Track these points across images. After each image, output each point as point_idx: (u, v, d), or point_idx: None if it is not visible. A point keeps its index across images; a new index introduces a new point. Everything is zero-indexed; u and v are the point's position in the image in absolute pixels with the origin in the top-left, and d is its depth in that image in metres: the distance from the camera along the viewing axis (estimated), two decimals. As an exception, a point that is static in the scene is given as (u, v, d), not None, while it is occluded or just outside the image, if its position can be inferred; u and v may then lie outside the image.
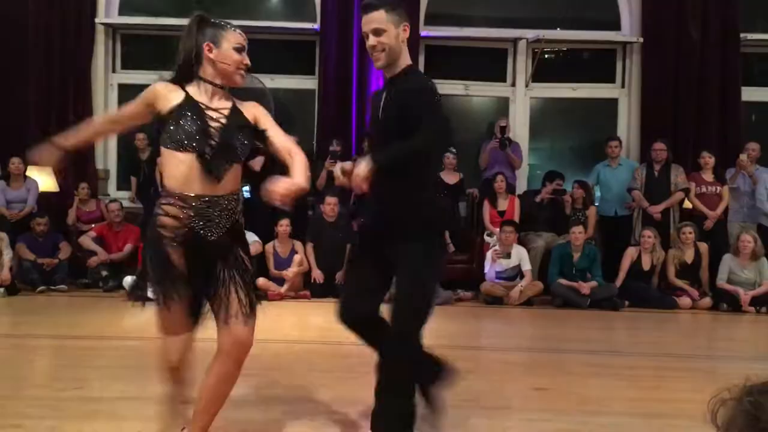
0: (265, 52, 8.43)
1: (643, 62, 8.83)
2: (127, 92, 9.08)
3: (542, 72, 9.07)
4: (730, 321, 7.13)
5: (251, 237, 7.32)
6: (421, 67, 8.96)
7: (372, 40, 2.79)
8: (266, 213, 7.21)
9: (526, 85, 9.10)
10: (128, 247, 7.91)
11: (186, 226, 2.51)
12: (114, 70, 9.11)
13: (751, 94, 8.89)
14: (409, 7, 8.63)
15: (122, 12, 9.05)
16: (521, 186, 8.91)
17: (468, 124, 9.25)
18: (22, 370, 4.28)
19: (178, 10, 8.99)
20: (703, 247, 7.73)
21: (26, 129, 8.61)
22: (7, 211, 8.01)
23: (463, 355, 4.36)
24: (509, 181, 8.30)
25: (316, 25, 8.81)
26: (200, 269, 2.55)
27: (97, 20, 8.79)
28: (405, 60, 2.86)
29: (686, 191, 8.00)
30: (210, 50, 2.54)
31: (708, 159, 8.04)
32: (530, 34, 8.82)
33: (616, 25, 9.07)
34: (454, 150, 8.38)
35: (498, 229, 7.71)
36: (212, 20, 2.61)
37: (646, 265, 7.68)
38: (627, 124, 9.04)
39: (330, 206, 7.69)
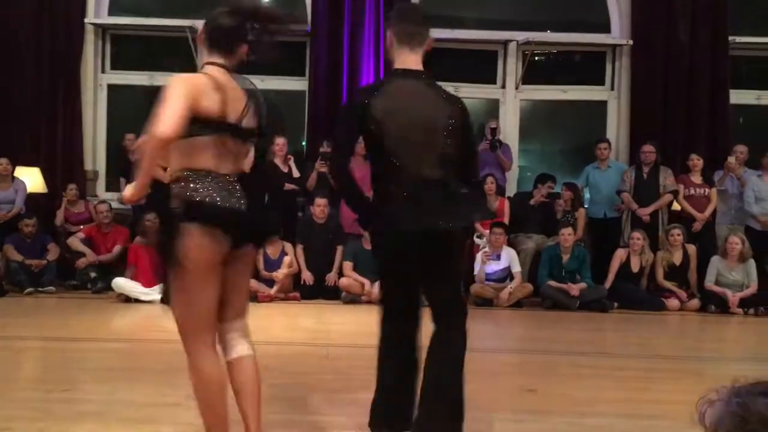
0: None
1: (633, 65, 8.87)
2: (117, 93, 9.07)
3: (532, 74, 9.10)
4: (718, 322, 7.17)
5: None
6: (412, 69, 8.95)
7: None
8: (256, 214, 7.18)
9: (516, 87, 9.13)
10: (117, 249, 7.87)
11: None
12: (103, 71, 9.06)
13: (739, 96, 8.94)
14: (399, 8, 8.71)
15: (111, 12, 9.01)
16: (511, 188, 8.93)
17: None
18: (10, 372, 4.25)
19: (167, 11, 8.97)
20: (692, 249, 7.77)
21: (14, 129, 8.57)
22: (-6, 211, 7.96)
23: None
24: (499, 182, 8.32)
25: (307, 27, 8.80)
26: None
27: (86, 20, 8.75)
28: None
29: (675, 193, 8.04)
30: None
31: (696, 161, 8.09)
32: (520, 36, 8.84)
33: (605, 28, 9.11)
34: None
35: (488, 231, 7.73)
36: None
37: (635, 266, 7.72)
38: (616, 126, 9.08)
39: (320, 208, 7.68)
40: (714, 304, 7.49)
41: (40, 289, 7.48)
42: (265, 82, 8.67)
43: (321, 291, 7.62)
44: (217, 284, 2.46)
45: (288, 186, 7.83)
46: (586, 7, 9.25)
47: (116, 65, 9.12)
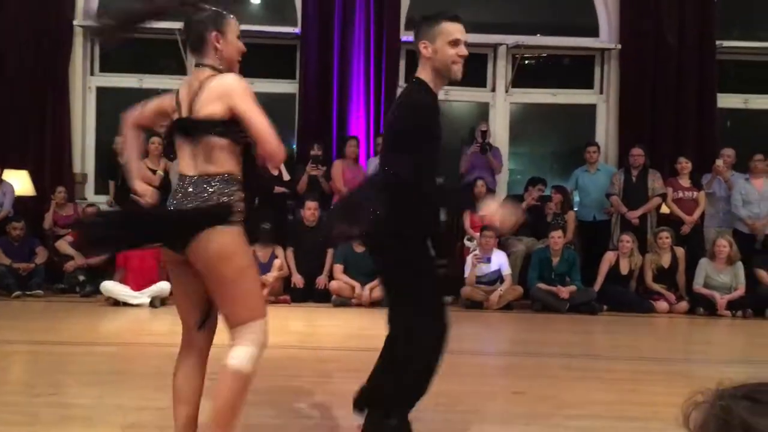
0: (246, 56, 8.40)
1: (621, 68, 8.92)
2: (106, 95, 9.04)
3: (522, 77, 9.14)
4: (707, 325, 7.21)
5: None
6: (402, 73, 9.00)
7: (465, 50, 2.85)
8: (246, 216, 7.17)
9: (506, 91, 9.16)
10: (106, 252, 7.84)
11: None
12: (92, 73, 9.03)
13: (726, 100, 9.01)
14: (389, 12, 8.74)
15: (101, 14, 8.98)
16: (501, 191, 8.96)
17: (448, 129, 9.26)
18: (-3, 376, 4.22)
19: (157, 13, 8.95)
20: (680, 251, 7.81)
21: (2, 132, 8.51)
22: (-18, 215, 7.91)
23: (444, 358, 4.36)
24: (489, 185, 8.34)
25: (297, 29, 8.81)
26: None
27: (75, 22, 8.72)
28: None
29: (663, 196, 8.09)
30: (218, 40, 2.54)
31: (685, 164, 8.13)
32: (510, 39, 8.87)
33: (594, 32, 9.16)
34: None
35: (478, 234, 7.74)
36: (217, 10, 2.61)
37: (624, 269, 7.75)
38: (605, 129, 9.12)
39: (310, 211, 7.67)
40: (702, 306, 7.53)
41: (28, 292, 7.44)
42: (255, 85, 8.66)
43: (311, 294, 7.61)
44: (180, 288, 2.57)
45: (278, 189, 7.82)
46: (575, 11, 9.30)
47: (105, 68, 9.09)
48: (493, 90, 9.20)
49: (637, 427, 3.41)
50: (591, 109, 9.24)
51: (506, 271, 7.65)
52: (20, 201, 8.25)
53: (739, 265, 7.61)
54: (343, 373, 4.34)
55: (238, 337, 2.45)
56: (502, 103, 9.19)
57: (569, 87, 9.31)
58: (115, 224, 2.57)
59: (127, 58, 9.14)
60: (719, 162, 8.06)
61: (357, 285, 7.43)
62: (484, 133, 8.45)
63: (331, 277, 7.62)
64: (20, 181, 8.24)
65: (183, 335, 2.61)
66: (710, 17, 8.78)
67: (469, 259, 7.67)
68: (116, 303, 7.03)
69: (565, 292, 7.43)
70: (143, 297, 7.02)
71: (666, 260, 7.75)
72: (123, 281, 7.18)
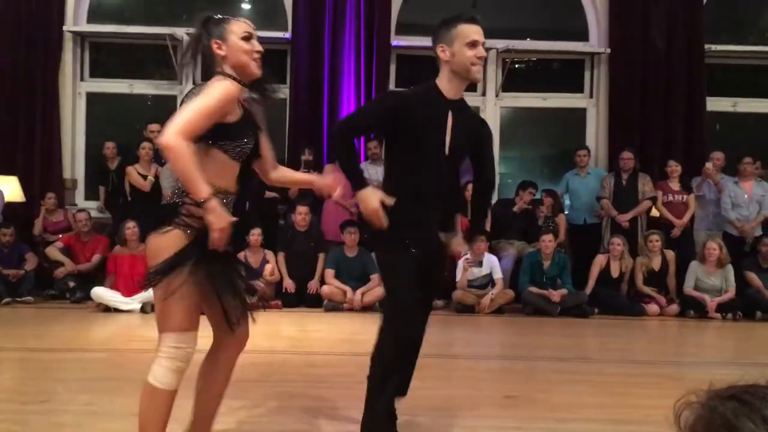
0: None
1: (611, 72, 8.96)
2: (96, 101, 9.01)
3: (512, 82, 9.17)
4: (697, 327, 7.24)
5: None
6: (393, 77, 9.02)
7: (483, 51, 2.84)
8: (238, 221, 7.16)
9: (497, 95, 9.19)
10: (96, 258, 7.80)
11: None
12: (82, 79, 9.00)
13: (715, 104, 9.07)
14: (380, 17, 8.75)
15: (91, 20, 8.96)
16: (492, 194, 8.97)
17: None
18: (-14, 383, 4.19)
19: (147, 18, 8.94)
20: (670, 254, 7.85)
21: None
22: (-29, 221, 7.86)
23: (433, 363, 4.36)
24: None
25: (288, 34, 8.81)
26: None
27: (65, 28, 8.69)
28: None
29: (653, 200, 8.13)
30: (219, 47, 2.49)
31: (674, 167, 8.18)
32: (500, 44, 8.91)
33: (584, 36, 9.20)
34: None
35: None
36: (215, 17, 2.57)
37: (614, 272, 7.77)
38: (595, 133, 9.16)
39: (301, 215, 7.67)
40: (693, 309, 7.57)
41: (18, 299, 7.39)
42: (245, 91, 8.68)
43: (303, 299, 7.60)
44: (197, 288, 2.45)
45: (269, 194, 7.81)
46: (564, 15, 9.35)
47: (95, 73, 9.07)
48: (484, 94, 9.22)
49: (629, 430, 3.41)
50: (581, 112, 9.28)
51: (497, 275, 7.66)
52: (10, 207, 8.20)
53: (729, 267, 7.65)
54: (334, 378, 4.33)
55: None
56: (492, 107, 9.22)
57: (559, 91, 9.35)
58: None
59: (118, 63, 9.13)
60: (709, 165, 8.10)
61: (348, 290, 7.42)
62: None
63: (322, 282, 7.61)
64: (9, 187, 8.19)
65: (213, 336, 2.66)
66: (699, 21, 8.84)
67: (461, 263, 7.67)
68: (107, 309, 7.00)
69: (556, 295, 7.45)
70: (134, 303, 6.98)
71: (656, 263, 7.79)
72: (113, 287, 7.14)
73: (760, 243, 7.75)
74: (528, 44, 9.19)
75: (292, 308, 7.43)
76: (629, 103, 8.82)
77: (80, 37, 8.89)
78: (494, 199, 8.91)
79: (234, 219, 2.41)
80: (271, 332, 6.31)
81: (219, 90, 2.38)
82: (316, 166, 8.00)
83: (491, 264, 7.68)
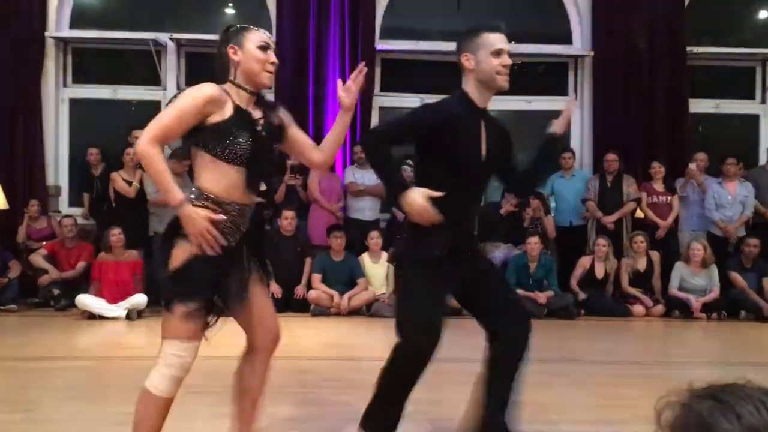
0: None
1: (595, 75, 9.01)
2: (79, 107, 8.94)
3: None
4: (682, 327, 7.29)
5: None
6: (378, 81, 9.02)
7: (509, 60, 2.87)
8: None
9: (482, 98, 9.20)
10: (81, 265, 7.73)
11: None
12: (65, 84, 8.93)
13: (698, 105, 9.14)
14: (364, 21, 8.76)
15: (73, 26, 8.90)
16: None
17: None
18: (-31, 393, 4.14)
19: (130, 24, 8.89)
20: (655, 255, 7.90)
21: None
22: (-47, 229, 7.77)
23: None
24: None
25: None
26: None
27: (47, 34, 8.63)
28: None
29: (638, 201, 8.18)
30: (235, 53, 2.53)
31: (658, 169, 8.23)
32: (484, 47, 8.92)
33: (567, 39, 9.25)
34: (411, 162, 8.42)
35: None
36: (236, 26, 2.63)
37: (599, 273, 7.81)
38: (580, 135, 9.21)
39: (287, 220, 7.65)
40: (678, 309, 7.62)
41: (2, 307, 7.31)
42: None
43: (290, 304, 7.57)
44: None
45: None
46: (548, 18, 9.39)
47: (78, 79, 9.00)
48: (469, 98, 9.24)
49: (616, 431, 3.43)
50: (566, 115, 9.30)
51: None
52: (-8, 214, 8.12)
53: (714, 268, 7.71)
54: (321, 382, 4.32)
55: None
56: (477, 110, 9.23)
57: (543, 94, 9.38)
58: None
59: (101, 69, 9.07)
60: (692, 166, 8.17)
61: (335, 294, 7.41)
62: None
63: (309, 287, 7.59)
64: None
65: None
66: (681, 24, 8.91)
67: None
68: (92, 316, 6.93)
69: (542, 297, 7.47)
70: (119, 310, 6.93)
71: (642, 264, 7.83)
72: (98, 294, 7.08)
73: (743, 243, 7.82)
74: (512, 47, 9.09)
75: (279, 313, 7.30)
76: (613, 106, 8.87)
77: (63, 42, 8.83)
78: (482, 201, 8.94)
79: (218, 217, 2.41)
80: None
81: (192, 92, 2.40)
82: (302, 170, 7.99)
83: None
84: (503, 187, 8.09)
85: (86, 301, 6.99)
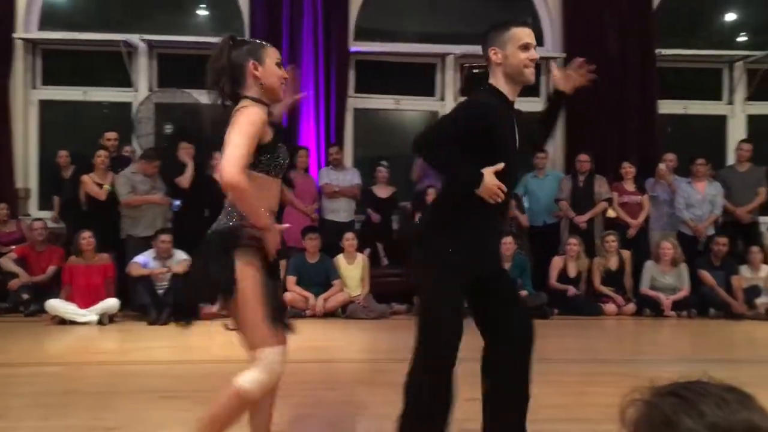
0: (194, 68, 8.32)
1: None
2: (49, 109, 8.82)
3: (472, 86, 9.25)
4: (653, 325, 7.39)
5: (180, 255, 7.17)
6: (352, 82, 9.02)
7: (536, 54, 2.87)
8: (197, 229, 7.07)
9: (455, 100, 9.26)
10: (51, 269, 7.62)
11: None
12: (34, 86, 8.81)
13: (667, 106, 9.28)
14: (338, 22, 8.76)
15: (42, 27, 8.77)
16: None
17: (399, 138, 9.34)
18: (-64, 401, 4.06)
19: (100, 25, 8.79)
20: (626, 254, 8.00)
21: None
22: None
23: (397, 368, 4.35)
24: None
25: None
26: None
27: (15, 35, 8.50)
28: None
29: (609, 201, 8.27)
30: (256, 68, 2.59)
31: (629, 169, 8.34)
32: (458, 50, 8.98)
33: (539, 41, 9.29)
34: (386, 163, 8.46)
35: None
36: (244, 39, 2.68)
37: (571, 272, 7.89)
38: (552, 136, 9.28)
39: (261, 222, 7.60)
40: (649, 307, 7.72)
41: (-31, 313, 7.19)
42: (201, 98, 8.58)
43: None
44: None
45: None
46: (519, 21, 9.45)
47: (48, 80, 8.88)
48: (443, 99, 9.29)
49: (588, 429, 3.46)
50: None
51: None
52: (-41, 219, 7.97)
53: (683, 266, 7.83)
54: (296, 386, 4.30)
55: (252, 361, 2.63)
56: (451, 111, 9.28)
57: (518, 95, 9.43)
58: None
59: (71, 70, 8.95)
60: (662, 166, 8.29)
61: (311, 296, 7.40)
62: (435, 142, 8.50)
63: (284, 289, 7.56)
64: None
65: None
66: (650, 26, 9.04)
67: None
68: (62, 321, 6.84)
69: (516, 297, 7.51)
70: (91, 315, 6.85)
71: (613, 263, 7.92)
72: (69, 299, 6.99)
73: (712, 242, 7.94)
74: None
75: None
76: (584, 107, 8.96)
77: (31, 44, 8.70)
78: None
79: (284, 226, 2.64)
80: (231, 341, 6.24)
81: (251, 119, 2.48)
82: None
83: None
84: None
85: (57, 305, 6.90)
